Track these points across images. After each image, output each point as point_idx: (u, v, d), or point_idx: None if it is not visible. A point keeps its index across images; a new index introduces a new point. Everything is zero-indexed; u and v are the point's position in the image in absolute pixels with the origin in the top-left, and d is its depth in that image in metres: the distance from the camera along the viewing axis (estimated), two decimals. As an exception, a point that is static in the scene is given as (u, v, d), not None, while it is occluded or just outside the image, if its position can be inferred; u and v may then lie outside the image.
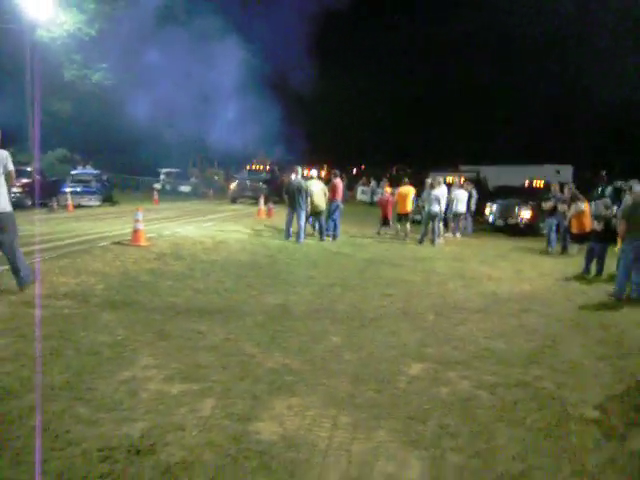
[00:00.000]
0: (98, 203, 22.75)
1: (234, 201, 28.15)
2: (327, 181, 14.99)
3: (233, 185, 29.16)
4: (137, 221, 10.52)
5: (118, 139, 36.39)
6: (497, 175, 29.52)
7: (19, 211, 18.55)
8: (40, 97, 24.42)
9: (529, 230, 16.57)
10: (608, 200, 10.56)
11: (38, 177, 21.21)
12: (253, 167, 31.99)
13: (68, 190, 21.48)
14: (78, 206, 20.86)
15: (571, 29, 38.10)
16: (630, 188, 9.22)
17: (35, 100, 24.40)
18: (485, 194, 20.64)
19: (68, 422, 3.51)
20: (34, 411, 3.62)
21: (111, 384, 4.14)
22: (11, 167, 6.38)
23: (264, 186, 26.63)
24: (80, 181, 23.38)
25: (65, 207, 19.86)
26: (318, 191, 13.03)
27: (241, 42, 33.00)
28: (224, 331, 5.57)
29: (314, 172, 14.18)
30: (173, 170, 38.02)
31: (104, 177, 25.31)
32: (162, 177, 37.11)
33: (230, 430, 3.53)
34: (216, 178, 41.69)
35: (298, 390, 4.23)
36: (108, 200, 24.18)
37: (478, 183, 21.68)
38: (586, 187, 21.61)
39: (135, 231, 10.50)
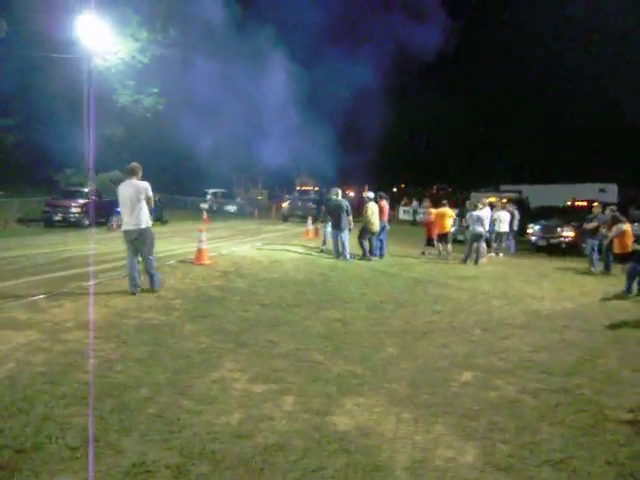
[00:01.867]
0: (151, 223, 23.86)
1: (286, 219, 29.43)
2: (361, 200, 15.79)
3: (285, 204, 30.46)
4: (201, 241, 11.41)
5: (167, 160, 37.85)
6: (540, 195, 29.55)
7: (79, 230, 19.93)
8: (95, 122, 25.83)
9: (571, 250, 16.85)
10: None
11: (94, 198, 22.49)
12: (303, 188, 33.27)
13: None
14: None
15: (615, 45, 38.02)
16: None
17: (90, 125, 25.81)
18: (527, 214, 20.96)
19: (177, 412, 4.26)
20: (149, 401, 4.39)
21: (205, 383, 4.88)
22: (150, 194, 8.30)
23: (313, 206, 27.55)
24: None
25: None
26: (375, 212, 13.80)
27: (294, 66, 34.09)
28: (293, 341, 6.28)
29: (371, 194, 14.79)
30: (219, 190, 39.34)
31: (156, 198, 26.45)
32: (209, 197, 38.41)
33: (311, 421, 4.22)
34: (260, 198, 42.85)
35: (364, 391, 4.89)
36: (159, 220, 25.29)
37: (520, 203, 22.01)
38: (632, 206, 21.75)
39: (199, 250, 11.38)
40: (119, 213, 20.09)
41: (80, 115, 26.60)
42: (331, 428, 4.12)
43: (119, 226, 21.26)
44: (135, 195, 8.20)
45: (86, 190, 23.26)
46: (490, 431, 4.19)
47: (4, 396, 4.35)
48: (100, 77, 28.50)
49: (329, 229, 14.97)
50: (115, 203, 23.44)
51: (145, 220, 8.33)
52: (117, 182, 32.24)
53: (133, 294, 8.28)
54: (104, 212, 22.53)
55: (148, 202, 8.29)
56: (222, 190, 39.90)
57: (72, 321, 6.65)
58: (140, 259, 8.54)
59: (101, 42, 25.73)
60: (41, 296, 7.95)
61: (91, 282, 9.10)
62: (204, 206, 35.15)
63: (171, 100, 32.57)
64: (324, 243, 15.42)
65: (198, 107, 32.93)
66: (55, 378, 4.77)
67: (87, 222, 21.56)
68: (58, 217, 21.53)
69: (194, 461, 3.52)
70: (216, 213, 35.28)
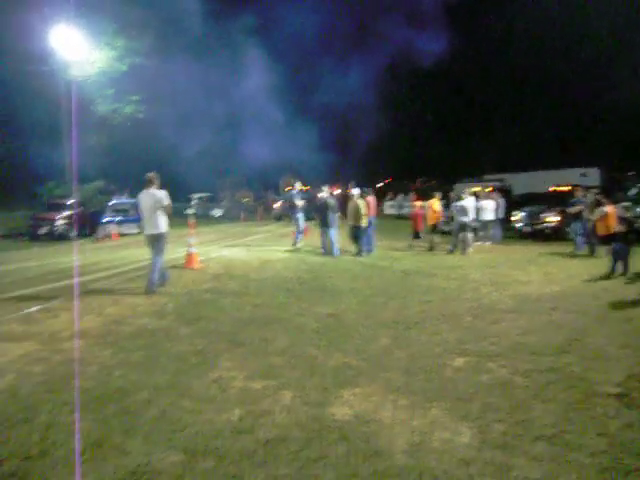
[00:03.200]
0: (137, 231, 23.84)
1: (278, 219, 29.75)
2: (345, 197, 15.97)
3: (277, 205, 30.74)
4: (190, 245, 11.46)
5: (150, 167, 37.67)
6: (523, 182, 29.82)
7: (65, 243, 19.87)
8: (75, 133, 25.70)
9: (556, 235, 17.08)
10: (628, 203, 11.14)
11: (80, 209, 22.45)
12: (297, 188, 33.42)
13: (110, 220, 22.65)
14: (119, 235, 21.95)
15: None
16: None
17: (73, 136, 25.69)
18: (511, 201, 21.17)
19: (179, 412, 4.34)
20: (150, 404, 4.47)
21: (204, 383, 4.97)
22: (166, 202, 9.05)
23: (306, 205, 27.67)
24: (119, 211, 24.55)
25: (109, 236, 20.97)
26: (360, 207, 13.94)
27: (277, 67, 34.13)
28: (287, 338, 6.38)
29: (356, 190, 14.89)
30: (205, 195, 39.29)
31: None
32: (194, 202, 38.28)
33: (310, 413, 4.32)
34: (245, 200, 42.79)
35: (360, 382, 5.00)
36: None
37: (503, 191, 22.23)
38: (615, 188, 22.04)
39: (189, 255, 11.44)
40: (104, 224, 20.16)
41: (60, 126, 26.46)
42: (330, 418, 4.23)
43: (107, 237, 21.43)
44: (152, 204, 9.01)
45: (70, 202, 23.19)
46: (484, 412, 4.32)
47: (7, 406, 4.42)
48: (78, 87, 28.33)
49: (300, 227, 15.43)
50: (99, 214, 23.71)
51: (162, 225, 9.12)
52: (103, 192, 32.23)
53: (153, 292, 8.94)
54: (89, 223, 22.52)
55: (166, 209, 9.10)
56: (207, 194, 39.81)
57: (68, 330, 6.69)
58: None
59: (77, 52, 25.59)
60: (36, 308, 7.98)
61: (84, 291, 9.12)
62: (190, 211, 34.97)
63: (152, 107, 32.43)
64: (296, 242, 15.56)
65: (179, 112, 32.85)
66: (56, 386, 4.83)
67: (73, 234, 21.52)
68: (44, 230, 21.47)
69: (198, 458, 3.61)
70: (202, 218, 35.18)
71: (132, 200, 26.84)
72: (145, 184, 9.19)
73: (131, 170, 38.09)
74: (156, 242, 9.09)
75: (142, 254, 14.41)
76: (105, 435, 3.92)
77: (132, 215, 24.38)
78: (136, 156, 36.82)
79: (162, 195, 9.08)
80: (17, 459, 3.60)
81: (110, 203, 26.42)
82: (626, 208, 10.63)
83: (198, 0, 31.40)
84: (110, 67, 30.39)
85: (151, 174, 9.22)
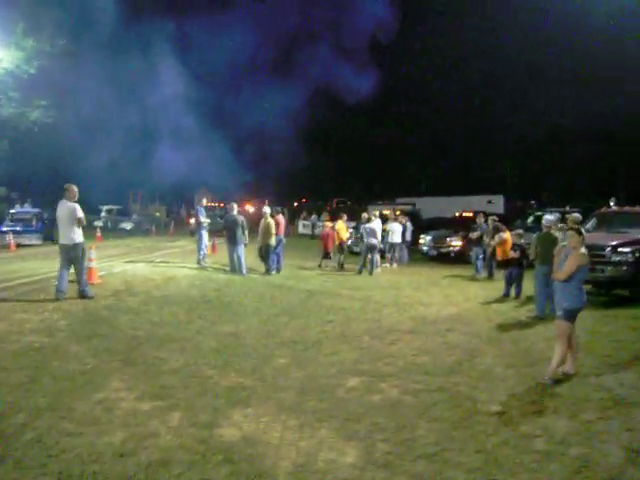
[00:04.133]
0: (40, 242, 22.66)
1: (192, 234, 29.06)
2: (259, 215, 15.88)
3: (192, 220, 30.13)
4: (90, 260, 10.99)
5: (57, 176, 36.10)
6: (432, 206, 30.91)
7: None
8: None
9: (459, 258, 17.77)
10: (521, 230, 11.86)
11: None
12: (210, 203, 32.99)
13: (8, 229, 21.44)
14: (19, 245, 20.77)
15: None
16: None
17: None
18: (419, 225, 21.89)
19: (57, 435, 4.13)
20: (26, 427, 4.22)
21: (88, 404, 4.76)
22: (79, 215, 9.43)
23: (220, 221, 27.28)
24: (20, 220, 23.28)
25: (7, 247, 19.81)
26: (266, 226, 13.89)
27: (195, 79, 33.59)
28: (183, 357, 6.24)
29: (267, 209, 14.83)
30: (114, 207, 38.02)
31: (44, 215, 25.16)
32: (103, 214, 37.02)
33: (197, 435, 4.23)
34: (157, 215, 41.76)
35: (252, 402, 4.96)
36: (49, 239, 24.01)
37: (412, 215, 22.96)
38: (516, 216, 23.33)
39: (88, 269, 10.94)
40: (3, 232, 19.03)
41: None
42: (217, 440, 4.16)
43: (4, 247, 20.21)
44: (68, 214, 9.44)
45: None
46: (371, 432, 4.39)
47: None
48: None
49: (203, 244, 15.20)
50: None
51: (77, 237, 9.48)
52: (2, 200, 30.42)
53: (58, 300, 9.20)
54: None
55: (79, 221, 9.50)
56: (117, 207, 38.56)
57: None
58: (72, 270, 9.67)
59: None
60: None
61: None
62: (98, 223, 33.73)
63: (61, 113, 31.09)
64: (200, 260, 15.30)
65: (90, 119, 31.70)
66: None
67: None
68: None
69: (72, 484, 3.44)
70: (111, 231, 33.98)
71: (35, 210, 25.58)
72: (63, 194, 9.55)
73: (36, 178, 36.41)
74: (71, 252, 9.43)
75: (39, 267, 13.76)
76: (-29, 461, 3.67)
77: (34, 225, 23.19)
78: (43, 163, 35.18)
79: (76, 207, 9.45)
80: None
81: (11, 211, 25.05)
82: (519, 235, 11.27)
83: (114, 2, 30.55)
84: (17, 68, 28.94)
85: (67, 185, 9.60)
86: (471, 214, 22.69)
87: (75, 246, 9.45)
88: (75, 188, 9.63)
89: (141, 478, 3.57)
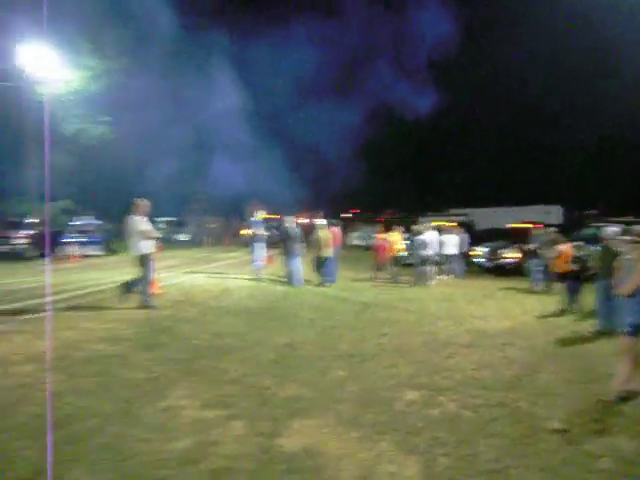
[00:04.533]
0: (101, 252, 23.50)
1: (247, 245, 29.78)
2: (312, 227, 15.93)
3: (246, 231, 30.93)
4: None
5: (118, 189, 37.34)
6: (487, 218, 30.34)
7: (24, 262, 19.49)
8: (45, 152, 25.38)
9: (515, 271, 17.43)
10: (580, 242, 11.55)
11: (39, 228, 22.08)
12: (267, 216, 33.65)
13: (72, 241, 22.30)
14: (81, 256, 21.57)
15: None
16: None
17: (45, 155, 25.35)
18: (474, 237, 21.58)
19: (126, 440, 4.31)
20: (98, 431, 4.43)
21: (154, 411, 4.95)
22: (141, 228, 10.07)
23: (277, 233, 27.73)
24: (83, 231, 24.21)
25: (70, 257, 20.62)
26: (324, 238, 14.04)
27: (252, 94, 34.27)
28: (243, 367, 6.39)
29: (322, 221, 14.97)
30: (171, 219, 39.05)
31: (107, 227, 26.11)
32: (161, 226, 38.06)
33: (259, 444, 4.33)
34: (213, 226, 42.58)
35: (311, 413, 5.03)
36: (110, 250, 24.86)
37: (466, 226, 22.65)
38: (574, 227, 22.70)
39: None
40: (64, 244, 19.86)
41: (26, 144, 26.09)
42: (278, 450, 4.25)
43: (66, 258, 21.07)
44: (130, 228, 10.12)
45: (32, 221, 22.82)
46: (431, 446, 4.39)
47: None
48: (48, 106, 28.02)
49: (257, 256, 15.24)
50: (60, 234, 23.29)
51: (142, 248, 10.13)
52: (67, 212, 31.71)
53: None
54: (50, 243, 22.12)
55: (142, 234, 10.12)
56: (174, 219, 39.59)
57: (21, 355, 6.60)
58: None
59: (48, 71, 25.36)
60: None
61: (40, 314, 8.97)
62: (156, 235, 34.61)
63: (123, 128, 32.23)
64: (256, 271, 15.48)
65: (150, 134, 32.71)
66: (5, 412, 4.76)
67: (35, 253, 21.14)
68: (4, 249, 21.04)
69: (143, 488, 3.60)
70: (168, 242, 34.89)
71: (98, 222, 26.53)
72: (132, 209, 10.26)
73: (98, 191, 37.74)
74: (137, 262, 10.09)
75: (99, 277, 14.30)
76: (50, 463, 3.87)
77: (96, 237, 24.05)
78: (105, 178, 36.45)
79: (137, 220, 10.10)
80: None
81: (72, 223, 26.03)
82: (578, 247, 10.99)
83: (175, 21, 31.57)
84: (84, 87, 30.22)
85: (136, 200, 10.27)
86: (528, 225, 22.23)
87: (140, 257, 10.05)
88: (142, 202, 10.21)
89: (207, 485, 3.70)
